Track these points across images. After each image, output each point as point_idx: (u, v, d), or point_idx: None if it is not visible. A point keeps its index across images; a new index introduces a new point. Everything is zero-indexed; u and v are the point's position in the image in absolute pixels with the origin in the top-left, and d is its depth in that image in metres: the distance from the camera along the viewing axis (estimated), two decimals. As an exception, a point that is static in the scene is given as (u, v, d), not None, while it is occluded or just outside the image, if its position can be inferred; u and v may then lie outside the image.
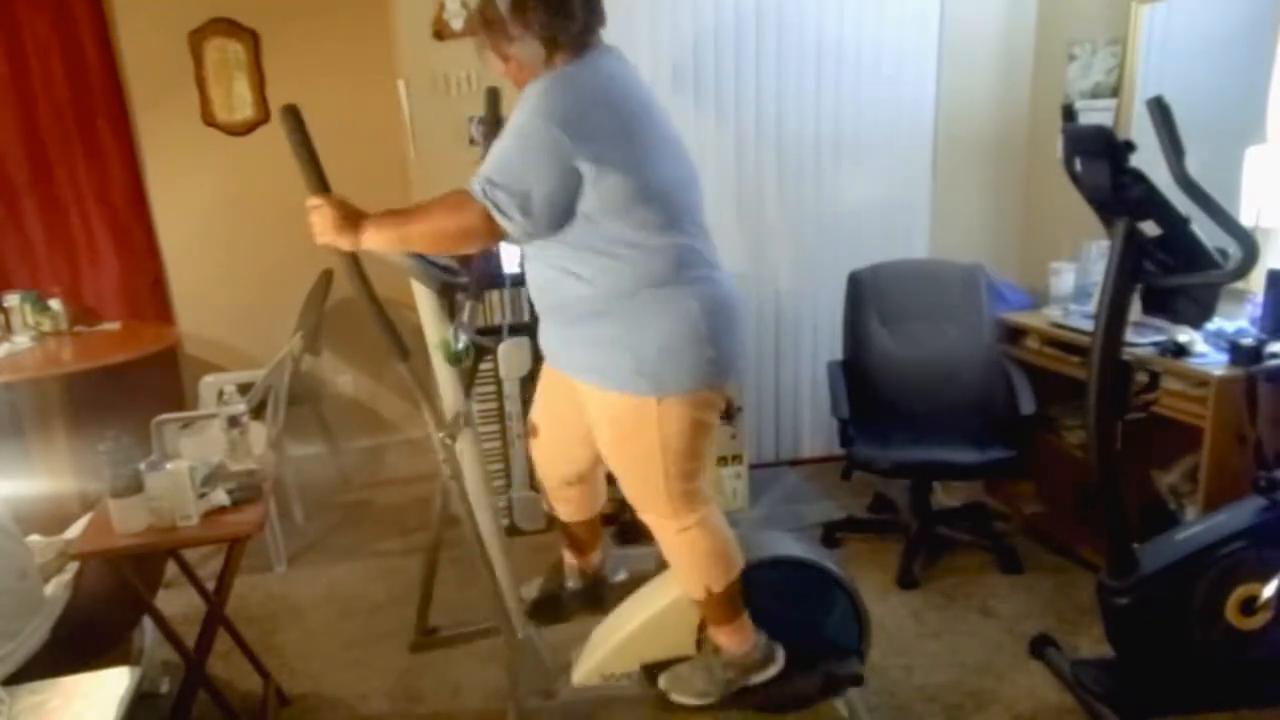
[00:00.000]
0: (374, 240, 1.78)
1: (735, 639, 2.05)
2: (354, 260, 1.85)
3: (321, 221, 1.77)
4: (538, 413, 2.21)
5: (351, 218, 1.77)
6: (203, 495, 2.11)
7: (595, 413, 1.95)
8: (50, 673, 1.77)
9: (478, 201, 1.72)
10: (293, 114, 1.71)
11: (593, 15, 1.83)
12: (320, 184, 1.78)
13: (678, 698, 2.07)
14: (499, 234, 1.75)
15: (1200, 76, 2.98)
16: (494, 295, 3.34)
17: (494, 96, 2.32)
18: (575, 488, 2.23)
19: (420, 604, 2.69)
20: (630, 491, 2.00)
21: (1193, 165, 1.96)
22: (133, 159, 4.01)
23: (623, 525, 3.22)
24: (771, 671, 2.08)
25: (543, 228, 1.77)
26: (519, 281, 3.24)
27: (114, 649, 2.16)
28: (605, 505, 2.34)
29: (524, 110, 1.74)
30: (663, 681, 2.10)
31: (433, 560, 2.68)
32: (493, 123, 2.27)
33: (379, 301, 1.90)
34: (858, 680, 2.16)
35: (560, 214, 1.76)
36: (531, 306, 2.07)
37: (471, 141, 3.42)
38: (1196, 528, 2.33)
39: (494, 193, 1.71)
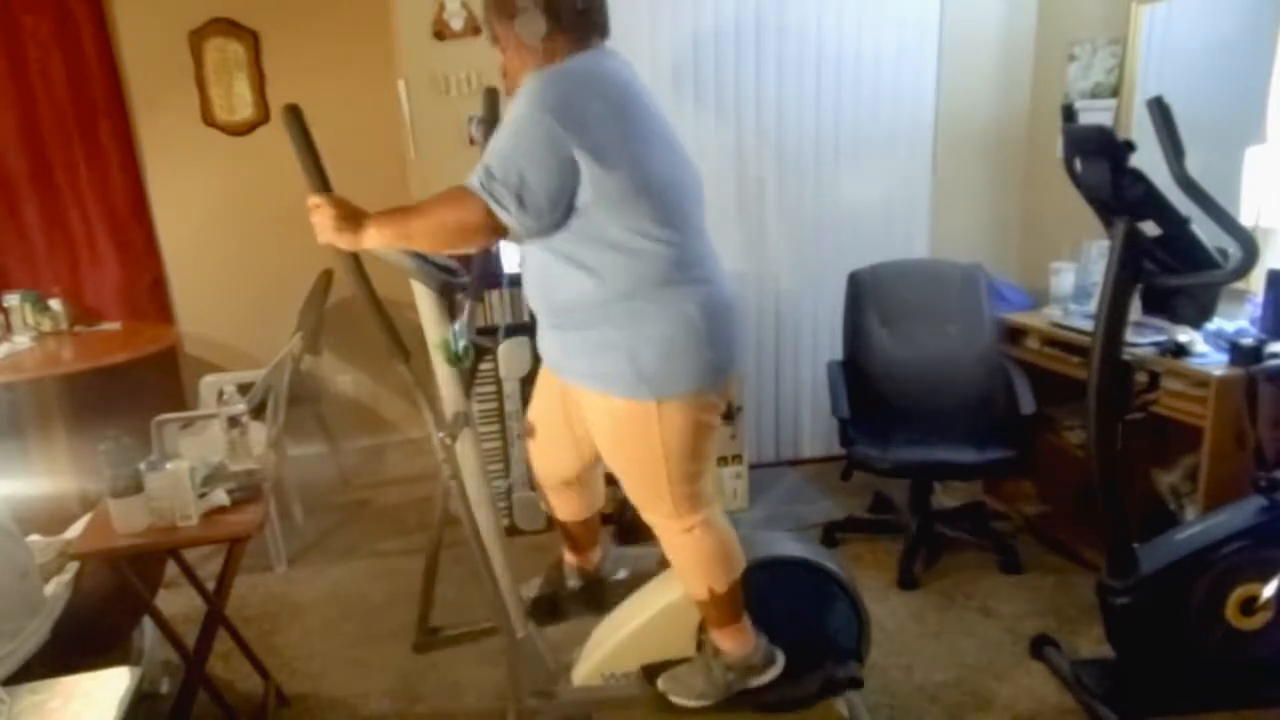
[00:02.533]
0: (375, 239, 1.77)
1: (736, 641, 2.05)
2: (354, 260, 1.85)
3: (322, 221, 1.76)
4: (534, 413, 2.21)
5: (352, 217, 1.76)
6: (203, 495, 2.11)
7: (596, 418, 1.95)
8: (50, 673, 1.77)
9: (476, 196, 1.71)
10: (294, 114, 1.71)
11: (596, 6, 1.84)
12: (321, 183, 1.77)
13: (676, 699, 2.07)
14: (498, 229, 1.74)
15: (1200, 76, 2.98)
16: (494, 295, 3.34)
17: (493, 96, 2.32)
18: (572, 487, 2.22)
19: (422, 604, 2.65)
20: (633, 494, 2.00)
21: (1193, 165, 1.96)
22: (133, 159, 4.01)
23: (623, 525, 3.22)
24: (771, 674, 2.08)
25: (542, 222, 1.75)
26: (518, 282, 3.24)
27: (114, 649, 2.16)
28: (605, 505, 2.34)
29: (520, 103, 1.73)
30: (662, 683, 2.09)
31: (434, 559, 2.65)
32: (491, 122, 2.27)
33: (379, 301, 1.90)
34: (857, 683, 2.16)
35: (557, 207, 1.74)
36: (531, 309, 2.07)
37: (471, 141, 3.42)
38: (1196, 528, 2.34)
39: (492, 185, 1.70)
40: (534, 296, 1.97)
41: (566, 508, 2.27)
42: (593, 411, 1.94)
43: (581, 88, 1.75)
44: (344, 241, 1.78)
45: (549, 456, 2.22)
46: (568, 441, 2.12)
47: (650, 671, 2.12)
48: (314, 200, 1.77)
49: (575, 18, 1.80)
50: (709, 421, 1.93)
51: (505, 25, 1.82)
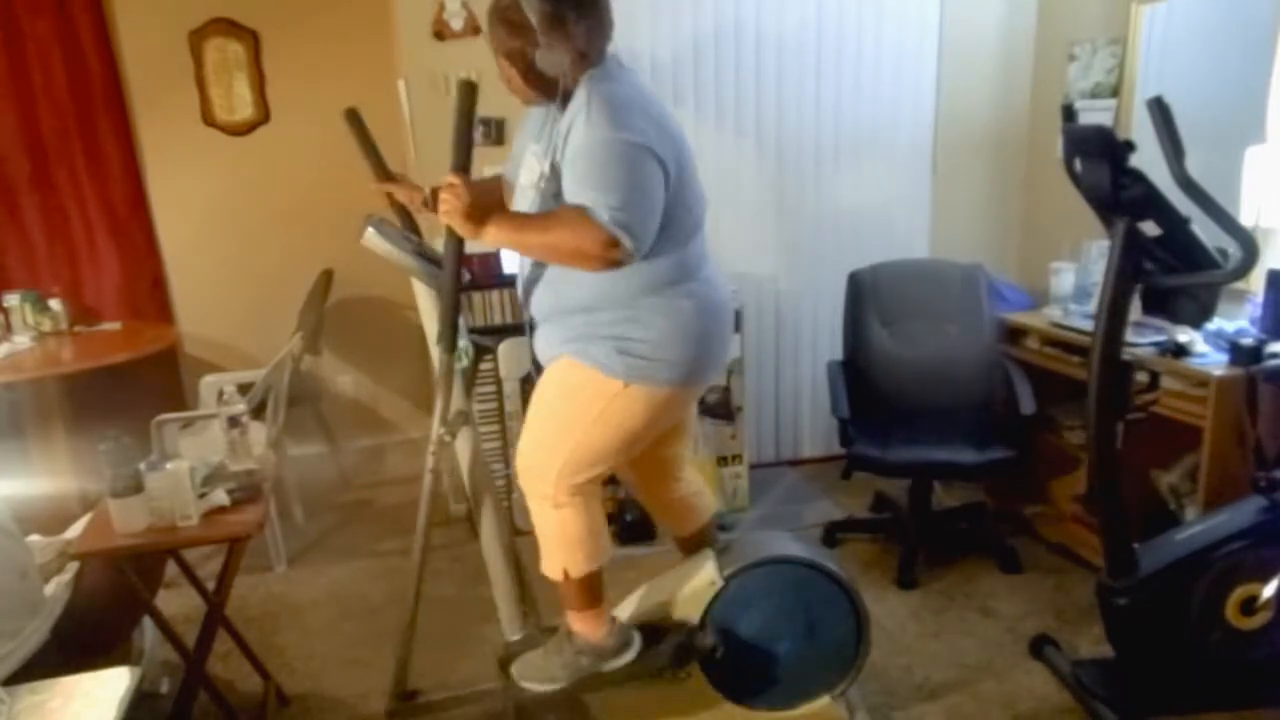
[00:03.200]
0: (493, 236, 1.80)
1: (590, 626, 2.06)
2: (460, 245, 1.88)
3: (453, 201, 1.78)
4: None
5: (482, 208, 1.79)
6: (203, 495, 2.11)
7: (552, 374, 1.96)
8: (50, 673, 1.76)
9: (598, 225, 1.70)
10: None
11: (612, 29, 1.89)
12: (467, 161, 1.80)
13: (528, 684, 2.08)
14: (610, 260, 1.74)
15: (1200, 76, 2.98)
16: (494, 295, 3.34)
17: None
18: (671, 506, 2.27)
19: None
20: (529, 454, 1.99)
21: (1193, 165, 1.96)
22: (133, 159, 4.01)
23: (625, 524, 3.21)
24: (625, 659, 2.08)
25: (648, 245, 1.78)
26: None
27: (114, 649, 2.16)
28: (606, 504, 2.33)
29: (606, 131, 1.74)
30: (515, 670, 2.10)
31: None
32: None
33: (460, 286, 1.93)
34: (711, 651, 2.12)
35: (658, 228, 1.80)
36: (532, 312, 2.07)
37: (471, 141, 3.42)
38: (1196, 528, 2.33)
39: (618, 217, 1.70)
40: (542, 299, 1.97)
41: (673, 523, 2.33)
42: (554, 368, 1.96)
43: (649, 114, 1.81)
44: (465, 229, 1.80)
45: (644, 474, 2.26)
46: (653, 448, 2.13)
47: (504, 662, 2.14)
48: (453, 179, 1.79)
49: (599, 53, 1.85)
50: (662, 419, 1.96)
51: (517, 49, 1.84)
